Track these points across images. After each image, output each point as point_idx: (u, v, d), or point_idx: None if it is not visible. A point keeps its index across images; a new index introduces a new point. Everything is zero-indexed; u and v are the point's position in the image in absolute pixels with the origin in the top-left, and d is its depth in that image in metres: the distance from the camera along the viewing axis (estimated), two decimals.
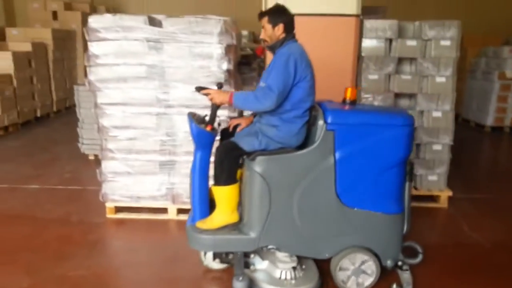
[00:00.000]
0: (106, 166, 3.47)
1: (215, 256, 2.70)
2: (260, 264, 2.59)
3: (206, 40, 3.22)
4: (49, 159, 5.13)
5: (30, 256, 2.96)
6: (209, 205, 2.59)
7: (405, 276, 2.53)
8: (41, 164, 4.95)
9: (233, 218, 2.55)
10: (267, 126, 2.50)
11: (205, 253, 2.76)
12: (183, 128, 3.36)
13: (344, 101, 2.63)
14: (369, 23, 3.67)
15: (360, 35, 3.65)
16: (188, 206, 3.14)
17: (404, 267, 2.56)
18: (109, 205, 3.55)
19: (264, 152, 2.46)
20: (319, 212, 2.46)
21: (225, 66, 3.25)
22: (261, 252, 2.62)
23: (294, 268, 2.52)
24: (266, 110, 2.43)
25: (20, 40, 7.51)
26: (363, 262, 2.50)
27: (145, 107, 3.37)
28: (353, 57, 3.54)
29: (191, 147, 2.78)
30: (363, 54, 3.70)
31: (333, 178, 2.41)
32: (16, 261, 2.90)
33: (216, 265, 2.78)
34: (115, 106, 3.39)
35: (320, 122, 2.39)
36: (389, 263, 2.51)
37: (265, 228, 2.46)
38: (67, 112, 8.11)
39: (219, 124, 2.63)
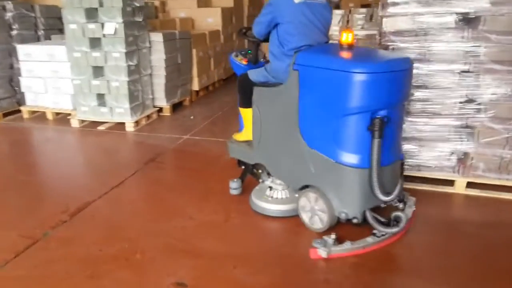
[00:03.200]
0: None
1: (240, 163, 3.15)
2: (266, 180, 2.97)
3: None
4: None
5: None
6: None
7: (368, 239, 2.42)
8: None
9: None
10: (269, 62, 2.79)
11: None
12: (490, 89, 2.85)
13: (340, 45, 2.48)
14: None
15: None
16: (482, 180, 3.07)
17: (377, 232, 2.43)
18: None
19: (260, 84, 2.78)
20: (289, 144, 2.64)
21: None
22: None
23: (270, 188, 2.86)
24: (257, 36, 2.78)
25: None
26: (317, 202, 2.53)
27: (446, 64, 2.92)
28: None
29: (498, 112, 2.87)
30: None
31: (297, 116, 2.53)
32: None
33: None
34: None
35: (291, 62, 2.50)
36: (342, 215, 2.44)
37: (258, 148, 2.87)
38: None
39: (263, 57, 3.05)
